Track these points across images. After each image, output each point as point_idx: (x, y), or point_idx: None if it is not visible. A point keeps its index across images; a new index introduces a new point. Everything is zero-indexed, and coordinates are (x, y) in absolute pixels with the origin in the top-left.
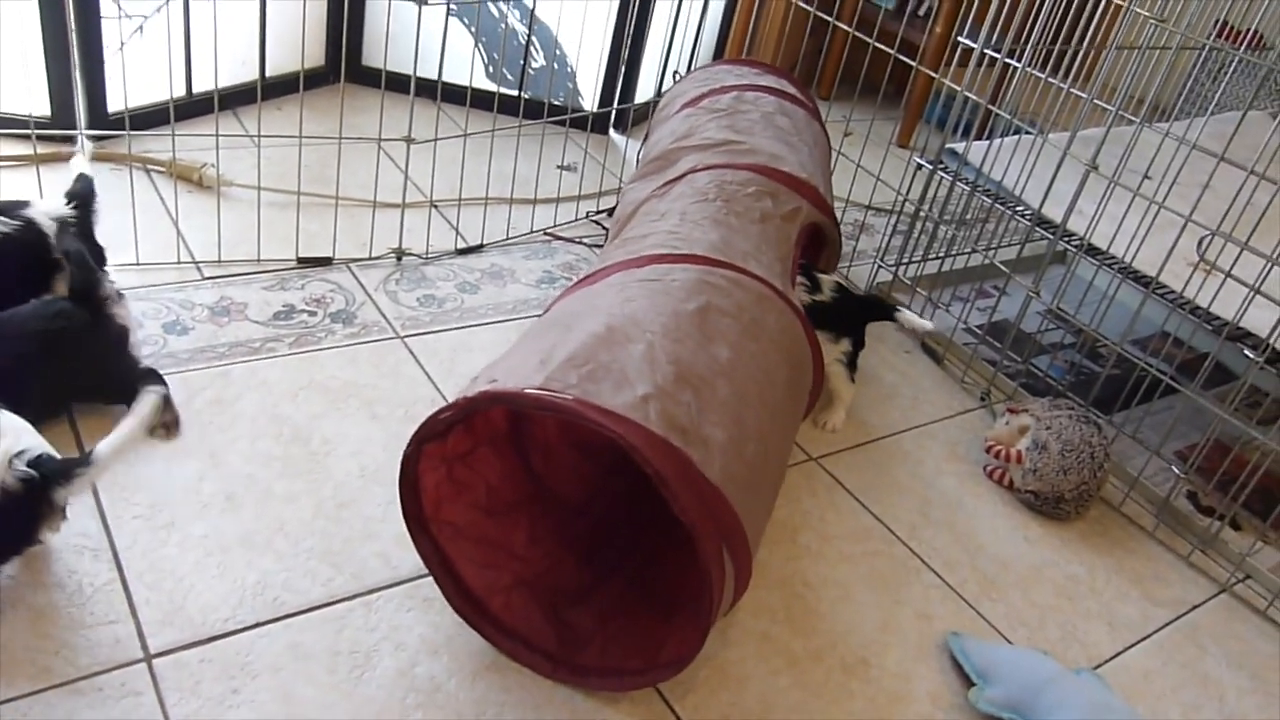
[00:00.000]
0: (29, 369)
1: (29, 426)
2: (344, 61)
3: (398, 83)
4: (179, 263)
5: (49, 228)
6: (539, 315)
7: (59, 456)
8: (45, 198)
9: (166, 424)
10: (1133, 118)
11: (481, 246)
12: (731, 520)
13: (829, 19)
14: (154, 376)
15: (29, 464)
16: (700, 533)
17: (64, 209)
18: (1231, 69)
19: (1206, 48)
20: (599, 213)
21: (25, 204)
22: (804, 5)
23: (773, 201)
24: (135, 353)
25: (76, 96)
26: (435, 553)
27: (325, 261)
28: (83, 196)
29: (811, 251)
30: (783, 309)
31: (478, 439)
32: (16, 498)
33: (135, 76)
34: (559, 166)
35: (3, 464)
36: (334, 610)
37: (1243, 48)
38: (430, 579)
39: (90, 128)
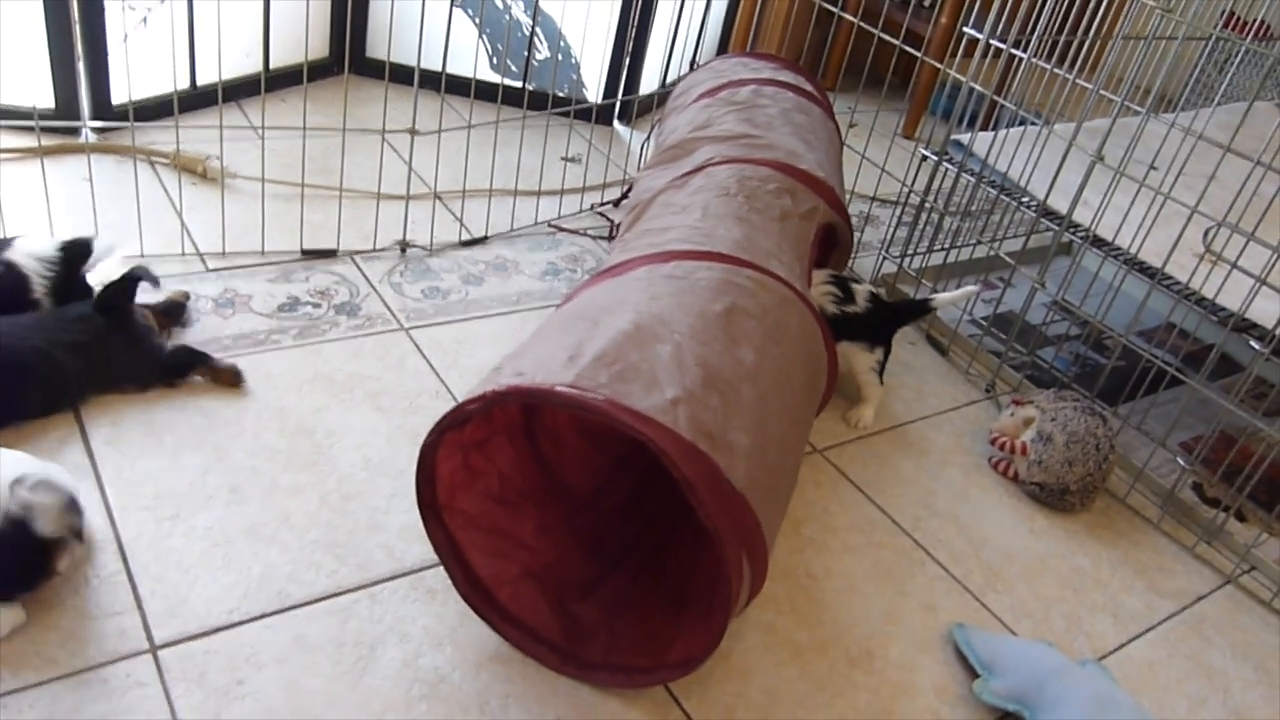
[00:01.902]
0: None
1: (21, 455)
2: (348, 53)
3: (402, 74)
4: (183, 254)
5: (30, 268)
6: (545, 306)
7: (57, 482)
8: (32, 236)
9: (234, 372)
10: (1139, 108)
11: (486, 238)
12: (753, 526)
13: (834, 9)
14: (187, 355)
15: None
16: (724, 539)
17: (49, 250)
18: (1238, 59)
19: (1213, 38)
20: (604, 204)
21: (8, 243)
22: None
23: (792, 199)
24: (157, 344)
25: (81, 88)
26: (446, 540)
27: (329, 253)
28: (75, 248)
29: (822, 251)
30: (804, 312)
31: (494, 427)
32: (24, 526)
33: (139, 68)
34: (563, 158)
35: (4, 492)
36: (339, 602)
37: (1249, 38)
38: (434, 570)
39: (94, 119)
